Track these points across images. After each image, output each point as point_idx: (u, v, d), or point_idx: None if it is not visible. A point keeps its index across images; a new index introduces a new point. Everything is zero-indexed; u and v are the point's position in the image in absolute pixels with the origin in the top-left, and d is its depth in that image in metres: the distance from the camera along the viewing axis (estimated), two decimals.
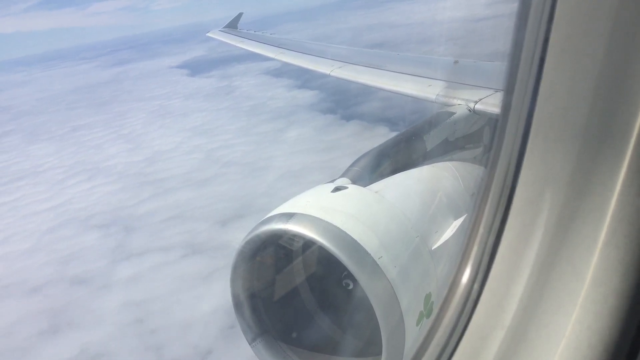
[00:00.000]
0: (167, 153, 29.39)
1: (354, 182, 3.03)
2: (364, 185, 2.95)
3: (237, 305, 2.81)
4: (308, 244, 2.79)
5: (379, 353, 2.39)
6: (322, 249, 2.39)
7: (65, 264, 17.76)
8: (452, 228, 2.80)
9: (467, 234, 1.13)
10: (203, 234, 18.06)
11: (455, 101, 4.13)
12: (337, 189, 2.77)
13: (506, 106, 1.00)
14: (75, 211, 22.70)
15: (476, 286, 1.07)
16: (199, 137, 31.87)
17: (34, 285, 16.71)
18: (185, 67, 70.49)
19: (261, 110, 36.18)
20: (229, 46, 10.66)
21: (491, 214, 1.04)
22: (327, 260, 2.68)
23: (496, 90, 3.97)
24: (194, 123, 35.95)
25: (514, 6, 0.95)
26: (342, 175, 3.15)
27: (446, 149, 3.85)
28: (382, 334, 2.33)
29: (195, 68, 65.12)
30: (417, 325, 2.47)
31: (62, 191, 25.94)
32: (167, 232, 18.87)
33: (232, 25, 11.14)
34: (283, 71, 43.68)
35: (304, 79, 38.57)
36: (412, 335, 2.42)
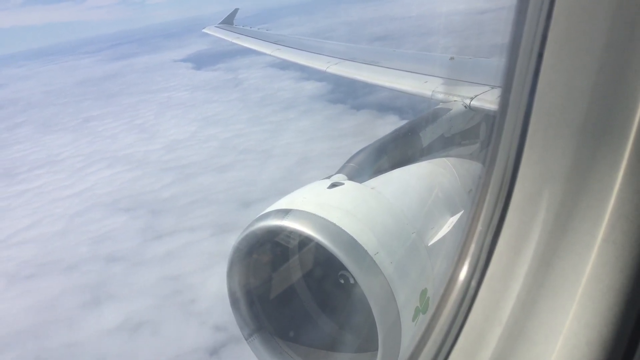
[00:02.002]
0: (183, 142, 30.28)
1: (350, 178, 3.03)
2: (361, 182, 2.95)
3: (233, 301, 2.82)
4: (304, 240, 2.79)
5: (376, 349, 2.42)
6: (318, 245, 2.40)
7: (98, 244, 18.68)
8: (448, 224, 2.82)
9: (465, 230, 1.14)
10: (228, 215, 18.96)
11: (451, 97, 4.17)
12: (333, 185, 2.77)
13: (504, 103, 1.00)
14: (100, 196, 23.61)
15: (473, 283, 1.07)
16: (212, 126, 32.74)
17: (70, 263, 17.63)
18: (189, 60, 71.17)
19: (271, 101, 37.00)
20: (227, 41, 10.69)
21: (489, 211, 1.05)
22: (323, 257, 2.69)
23: (492, 87, 4.02)
24: (205, 114, 36.78)
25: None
26: (339, 172, 3.15)
27: (442, 145, 3.86)
28: (379, 329, 2.34)
29: (200, 61, 65.77)
30: (413, 320, 2.49)
31: (84, 178, 26.84)
32: (194, 213, 19.79)
33: (228, 21, 11.05)
34: (289, 64, 44.19)
35: (310, 71, 39.12)
36: (408, 331, 2.44)
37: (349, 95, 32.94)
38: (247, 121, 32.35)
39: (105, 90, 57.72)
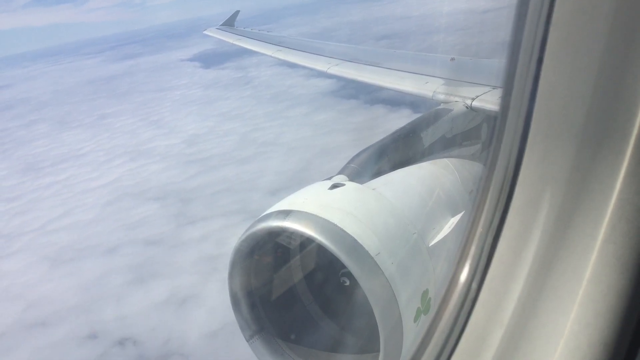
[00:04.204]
0: (202, 136, 31.27)
1: (351, 179, 3.03)
2: (362, 183, 2.96)
3: (235, 302, 2.83)
4: (306, 241, 2.81)
5: (377, 350, 2.42)
6: (319, 246, 2.41)
7: (134, 229, 19.63)
8: (450, 225, 2.83)
9: (466, 232, 1.15)
10: (256, 202, 19.86)
11: (452, 98, 4.18)
12: (334, 186, 2.78)
13: (505, 105, 1.01)
14: (128, 187, 24.57)
15: (475, 284, 1.08)
16: (229, 121, 33.71)
17: (109, 247, 18.59)
18: (196, 60, 71.98)
19: (284, 97, 37.94)
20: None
21: (490, 213, 1.06)
22: (324, 258, 2.75)
23: (493, 88, 4.03)
24: (221, 110, 37.77)
25: None
26: (340, 173, 3.16)
27: (443, 146, 3.87)
28: (380, 330, 2.35)
29: (207, 61, 66.59)
30: (414, 321, 2.50)
31: (109, 170, 27.81)
32: (222, 201, 20.75)
33: (229, 23, 11.07)
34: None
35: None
36: (410, 332, 2.45)
37: (360, 90, 33.81)
38: (263, 116, 33.35)
39: (116, 89, 58.68)
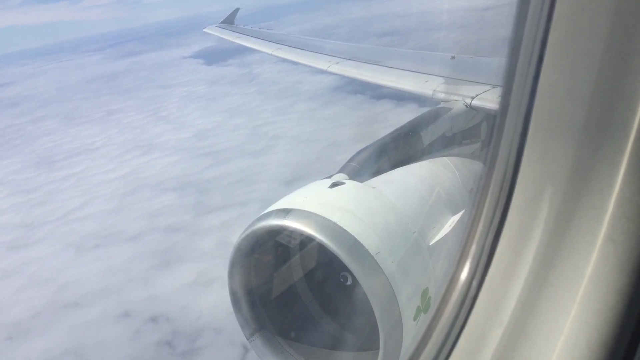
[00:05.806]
0: (212, 130, 32.02)
1: (351, 177, 3.05)
2: (362, 181, 2.97)
3: (234, 300, 2.85)
4: (305, 240, 2.81)
5: (377, 348, 2.44)
6: (319, 245, 2.43)
7: (155, 218, 20.37)
8: (450, 223, 2.84)
9: (466, 230, 1.15)
10: (271, 191, 20.56)
11: (452, 97, 4.20)
12: (334, 185, 2.79)
13: (505, 103, 1.02)
14: (144, 179, 25.30)
15: (475, 283, 1.08)
16: (238, 116, 34.46)
17: (132, 235, 19.32)
18: (198, 57, 72.54)
19: (290, 93, 38.69)
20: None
21: (490, 211, 1.06)
22: (324, 256, 2.73)
23: (493, 86, 4.04)
24: (228, 105, 38.51)
25: None
26: (340, 171, 3.18)
27: (443, 145, 3.88)
28: (380, 328, 2.37)
29: (210, 58, 67.04)
30: (414, 320, 2.51)
31: (124, 163, 28.53)
32: (238, 191, 21.51)
33: (229, 21, 11.06)
34: None
35: None
36: (410, 330, 2.47)
37: (367, 86, 34.42)
38: (271, 111, 34.09)
39: (121, 86, 59.25)
